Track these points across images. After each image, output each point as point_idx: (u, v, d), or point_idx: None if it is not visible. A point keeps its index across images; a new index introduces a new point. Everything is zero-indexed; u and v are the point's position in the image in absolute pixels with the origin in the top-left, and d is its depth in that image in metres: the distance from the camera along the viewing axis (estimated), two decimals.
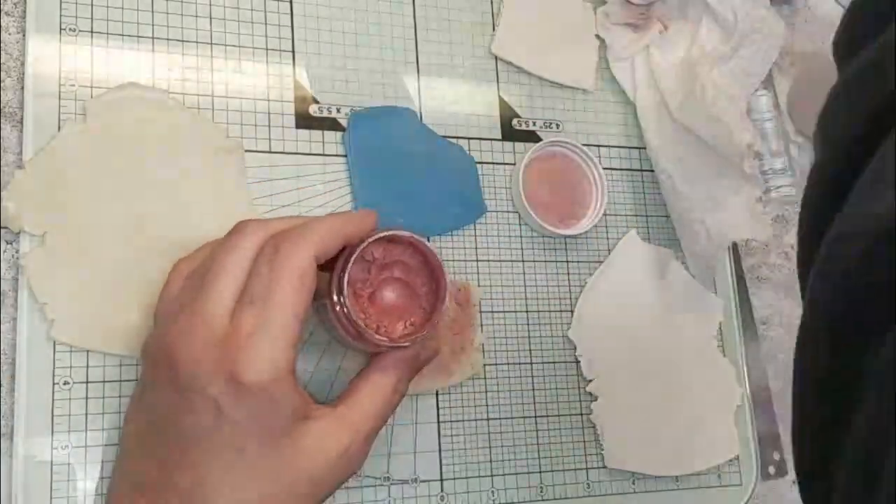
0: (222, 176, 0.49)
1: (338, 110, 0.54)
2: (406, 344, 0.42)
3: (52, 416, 0.44)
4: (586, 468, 0.54)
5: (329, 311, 0.41)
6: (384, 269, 0.43)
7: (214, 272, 0.38)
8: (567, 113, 0.60)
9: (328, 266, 0.41)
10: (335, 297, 0.41)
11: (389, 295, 0.43)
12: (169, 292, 0.41)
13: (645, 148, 0.61)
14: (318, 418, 0.38)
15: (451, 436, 0.52)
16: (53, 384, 0.44)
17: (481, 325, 0.54)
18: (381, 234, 0.42)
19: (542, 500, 0.53)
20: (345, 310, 0.40)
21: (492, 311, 0.54)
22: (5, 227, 0.45)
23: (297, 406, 0.37)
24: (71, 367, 0.44)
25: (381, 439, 0.50)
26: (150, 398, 0.39)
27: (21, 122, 0.46)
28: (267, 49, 0.53)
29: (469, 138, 0.57)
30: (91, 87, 0.48)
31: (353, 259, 0.41)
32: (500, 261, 0.56)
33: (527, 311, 0.55)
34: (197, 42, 0.51)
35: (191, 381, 0.36)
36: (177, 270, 0.41)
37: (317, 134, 0.53)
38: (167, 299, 0.40)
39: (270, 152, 0.51)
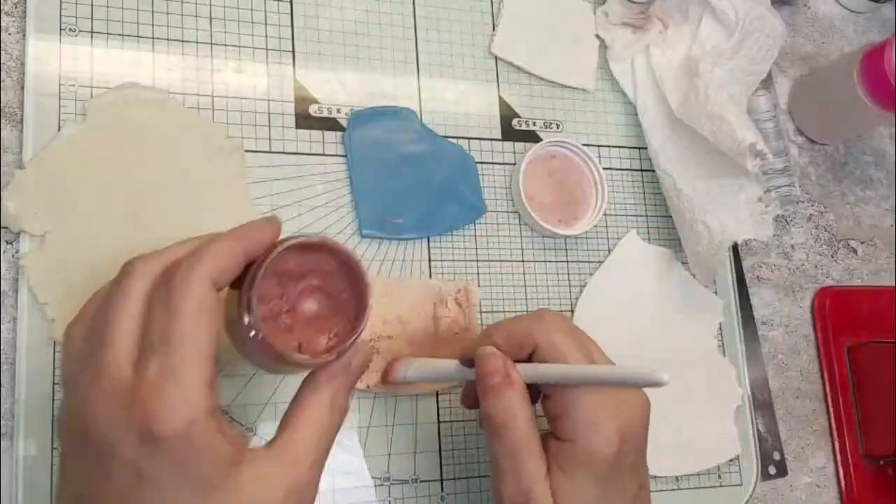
0: (222, 176, 0.49)
1: (338, 110, 0.54)
2: (332, 358, 0.38)
3: (52, 416, 0.44)
4: None
5: (243, 335, 0.38)
6: (301, 279, 0.40)
7: (108, 324, 0.34)
8: (567, 113, 0.60)
9: (239, 285, 0.38)
10: (245, 319, 0.37)
11: (310, 307, 0.40)
12: (67, 356, 0.36)
13: (645, 148, 0.61)
14: (253, 461, 0.34)
15: (451, 436, 0.52)
16: (53, 384, 0.44)
17: (481, 325, 0.54)
18: (290, 243, 0.38)
19: None
20: (257, 331, 0.36)
21: (492, 311, 0.54)
22: (5, 227, 0.45)
23: (225, 451, 0.33)
24: None
25: (382, 439, 0.50)
26: (69, 472, 0.34)
27: (21, 122, 0.46)
28: (267, 49, 0.53)
29: (469, 138, 0.57)
30: (91, 87, 0.48)
31: (260, 274, 0.37)
32: (500, 261, 0.56)
33: (527, 311, 0.55)
34: (197, 42, 0.51)
35: (103, 445, 0.32)
36: (68, 334, 0.36)
37: (317, 134, 0.53)
38: (66, 363, 0.36)
39: (270, 152, 0.51)
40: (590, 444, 0.40)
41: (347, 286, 0.40)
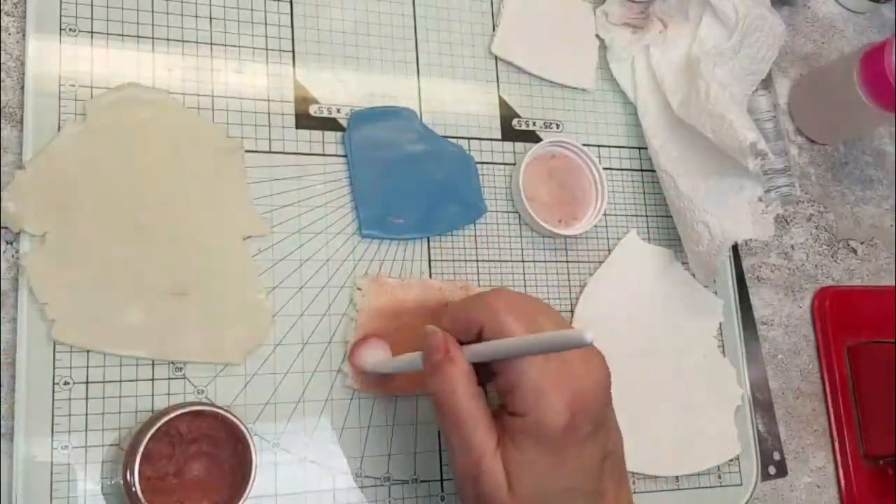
0: (222, 176, 0.49)
1: (338, 110, 0.54)
2: None
3: (53, 416, 0.44)
4: None
5: (125, 491, 0.41)
6: (192, 443, 0.43)
7: None
8: (567, 113, 0.60)
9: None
10: (126, 477, 0.41)
11: (196, 471, 0.43)
12: None
13: (645, 148, 0.61)
14: None
15: None
16: (53, 384, 0.44)
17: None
18: (182, 411, 0.42)
19: None
20: (135, 490, 0.40)
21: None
22: (5, 227, 0.45)
23: None
24: (71, 367, 0.44)
25: (382, 439, 0.50)
26: None
27: (21, 122, 0.46)
28: (267, 49, 0.53)
29: (469, 138, 0.57)
30: (91, 87, 0.48)
31: (147, 436, 0.41)
32: (500, 261, 0.56)
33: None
34: (197, 42, 0.51)
35: None
36: None
37: (317, 134, 0.53)
38: None
39: (270, 152, 0.51)
40: (538, 416, 0.39)
41: (233, 455, 0.44)
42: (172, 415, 0.42)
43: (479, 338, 0.42)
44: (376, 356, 0.49)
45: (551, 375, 0.40)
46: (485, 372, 0.42)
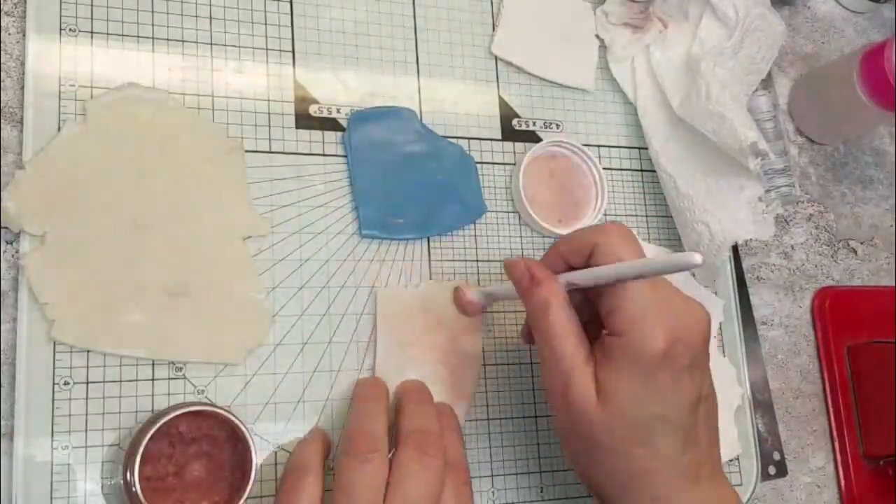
0: (222, 176, 0.49)
1: (338, 110, 0.54)
2: None
3: (53, 416, 0.44)
4: None
5: (125, 491, 0.41)
6: (191, 443, 0.43)
7: None
8: (567, 113, 0.60)
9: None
10: (126, 478, 0.41)
11: (196, 471, 0.43)
12: None
13: (645, 148, 0.61)
14: None
15: None
16: (53, 384, 0.44)
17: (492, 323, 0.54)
18: (185, 410, 0.42)
19: (542, 500, 0.53)
20: (135, 490, 0.40)
21: (492, 312, 0.54)
22: (5, 227, 0.45)
23: None
24: (71, 367, 0.44)
25: None
26: None
27: (21, 122, 0.46)
28: (267, 49, 0.53)
29: (469, 138, 0.57)
30: (91, 87, 0.48)
31: (147, 436, 0.41)
32: (500, 261, 0.56)
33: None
34: (197, 42, 0.51)
35: None
36: None
37: (317, 134, 0.53)
38: None
39: (270, 152, 0.51)
40: (636, 339, 0.40)
41: (234, 456, 0.43)
42: (172, 415, 0.42)
43: (590, 260, 0.43)
44: (479, 293, 0.50)
45: (654, 303, 0.41)
46: (588, 308, 0.44)
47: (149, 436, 0.41)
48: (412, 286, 0.52)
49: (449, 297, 0.52)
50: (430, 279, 0.53)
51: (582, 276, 0.43)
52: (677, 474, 0.42)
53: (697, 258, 0.36)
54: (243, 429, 0.43)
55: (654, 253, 0.60)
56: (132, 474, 0.40)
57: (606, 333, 0.42)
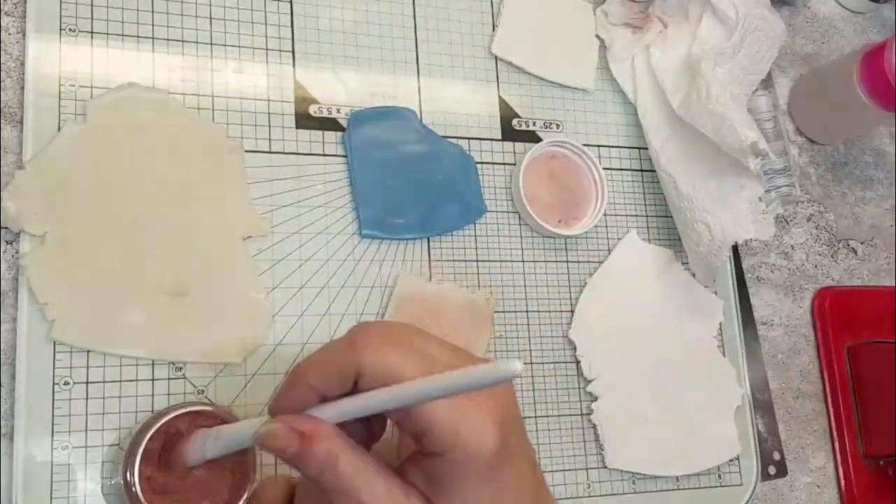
0: (222, 176, 0.49)
1: (338, 110, 0.54)
2: None
3: (53, 416, 0.44)
4: (586, 468, 0.54)
5: (125, 491, 0.41)
6: None
7: None
8: (567, 113, 0.60)
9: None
10: (126, 477, 0.41)
11: (195, 471, 0.42)
12: None
13: (645, 148, 0.61)
14: None
15: None
16: (53, 384, 0.44)
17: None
18: (184, 410, 0.42)
19: None
20: (135, 490, 0.40)
21: (492, 312, 0.54)
22: (5, 227, 0.45)
23: None
24: (71, 367, 0.44)
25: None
26: None
27: (21, 122, 0.46)
28: (267, 49, 0.53)
29: (469, 138, 0.57)
30: (91, 87, 0.48)
31: (148, 436, 0.41)
32: (500, 261, 0.56)
33: (527, 312, 0.55)
34: (197, 42, 0.51)
35: None
36: None
37: (317, 134, 0.53)
38: None
39: (270, 152, 0.51)
40: (467, 447, 0.33)
41: (234, 456, 0.42)
42: (172, 415, 0.42)
43: (356, 388, 0.34)
44: (207, 438, 0.40)
45: (463, 400, 0.33)
46: (378, 421, 0.37)
47: (149, 436, 0.41)
48: (436, 280, 0.53)
49: (461, 302, 0.52)
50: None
51: (358, 406, 0.33)
52: None
53: (519, 365, 0.28)
54: None
55: (654, 254, 0.60)
56: (132, 474, 0.40)
57: (426, 454, 0.34)
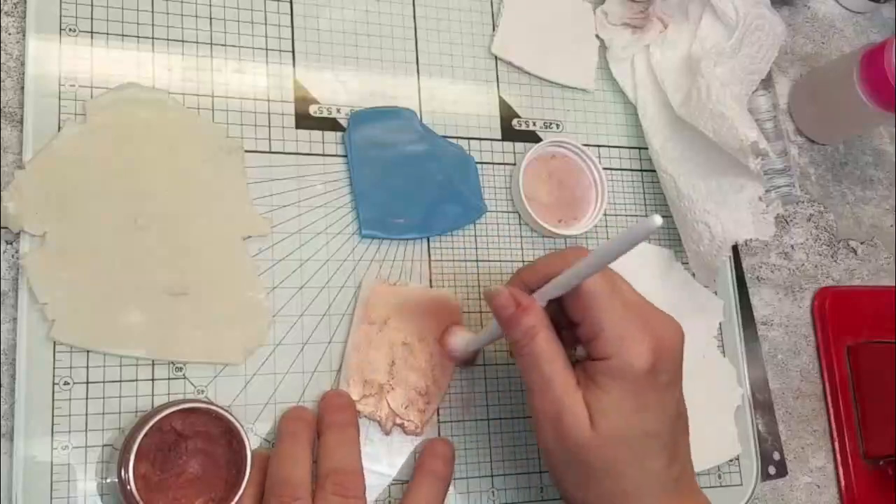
0: (222, 176, 0.49)
1: (338, 110, 0.54)
2: None
3: (53, 416, 0.44)
4: None
5: (120, 489, 0.41)
6: (186, 440, 0.43)
7: None
8: (567, 113, 0.60)
9: None
10: (121, 475, 0.41)
11: (191, 467, 0.43)
12: None
13: (645, 148, 0.61)
14: None
15: (451, 436, 0.52)
16: (53, 384, 0.44)
17: (481, 325, 0.54)
18: (178, 407, 0.42)
19: (542, 500, 0.53)
20: (130, 488, 0.40)
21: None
22: (5, 227, 0.45)
23: None
24: (71, 367, 0.44)
25: (382, 439, 0.50)
26: None
27: (21, 122, 0.46)
28: (267, 49, 0.53)
29: (469, 138, 0.57)
30: (91, 87, 0.48)
31: (142, 433, 0.41)
32: (500, 261, 0.56)
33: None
34: (197, 42, 0.51)
35: None
36: None
37: (317, 134, 0.53)
38: None
39: (270, 152, 0.51)
40: (622, 359, 0.41)
41: (227, 451, 0.43)
42: (166, 412, 0.42)
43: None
44: (463, 340, 0.50)
45: (634, 322, 0.42)
46: (567, 336, 0.44)
47: (143, 433, 0.41)
48: (401, 283, 0.52)
49: (426, 301, 0.52)
50: (430, 283, 0.53)
51: (554, 287, 0.42)
52: (664, 490, 0.42)
53: (656, 220, 0.35)
54: (238, 425, 0.43)
55: (654, 254, 0.60)
56: (127, 472, 0.40)
57: (591, 358, 0.42)
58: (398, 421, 0.50)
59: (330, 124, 0.53)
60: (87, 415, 0.44)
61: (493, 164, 0.57)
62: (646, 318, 0.43)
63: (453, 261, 0.54)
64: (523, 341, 0.43)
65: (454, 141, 0.56)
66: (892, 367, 0.62)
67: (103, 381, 0.45)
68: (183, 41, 0.51)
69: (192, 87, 0.50)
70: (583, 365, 0.43)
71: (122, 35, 0.49)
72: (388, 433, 0.50)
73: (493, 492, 0.52)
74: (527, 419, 0.54)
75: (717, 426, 0.58)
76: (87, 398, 0.44)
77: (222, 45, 0.52)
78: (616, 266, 0.58)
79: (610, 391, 0.41)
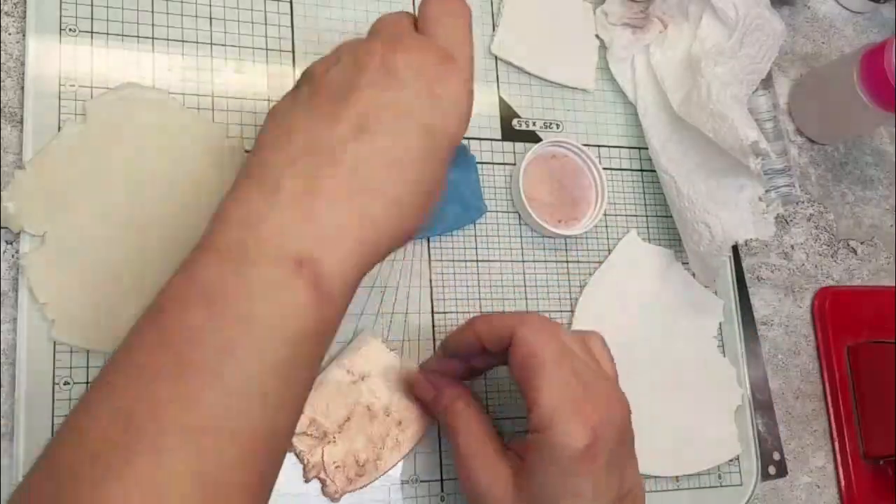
0: (222, 176, 0.49)
1: None
2: None
3: (53, 416, 0.44)
4: None
5: None
6: None
7: None
8: (567, 113, 0.60)
9: None
10: None
11: None
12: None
13: (645, 148, 0.61)
14: None
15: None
16: (53, 384, 0.44)
17: None
18: None
19: None
20: None
21: (493, 312, 0.54)
22: (5, 227, 0.45)
23: None
24: (71, 367, 0.44)
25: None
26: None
27: (21, 122, 0.46)
28: (267, 49, 0.53)
29: (469, 138, 0.57)
30: (91, 87, 0.48)
31: None
32: (500, 261, 0.56)
33: (527, 312, 0.55)
34: (197, 42, 0.51)
35: None
36: None
37: None
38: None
39: None
40: (556, 436, 0.38)
41: None
42: None
43: (508, 348, 0.42)
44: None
45: (574, 395, 0.39)
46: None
47: None
48: (396, 352, 0.51)
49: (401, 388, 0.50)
50: (430, 283, 0.53)
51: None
52: None
53: None
54: None
55: (654, 254, 0.60)
56: None
57: (529, 430, 0.40)
58: (322, 476, 0.47)
59: None
60: None
61: (493, 164, 0.57)
62: (591, 391, 0.39)
63: (453, 261, 0.54)
64: (446, 419, 0.45)
65: None
66: (892, 367, 0.62)
67: None
68: (183, 41, 0.51)
69: (192, 87, 0.50)
70: (524, 438, 0.40)
71: (122, 35, 0.49)
72: (306, 482, 0.47)
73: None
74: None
75: (716, 426, 0.58)
76: None
77: (222, 45, 0.52)
78: (616, 266, 0.59)
79: (535, 473, 0.38)
